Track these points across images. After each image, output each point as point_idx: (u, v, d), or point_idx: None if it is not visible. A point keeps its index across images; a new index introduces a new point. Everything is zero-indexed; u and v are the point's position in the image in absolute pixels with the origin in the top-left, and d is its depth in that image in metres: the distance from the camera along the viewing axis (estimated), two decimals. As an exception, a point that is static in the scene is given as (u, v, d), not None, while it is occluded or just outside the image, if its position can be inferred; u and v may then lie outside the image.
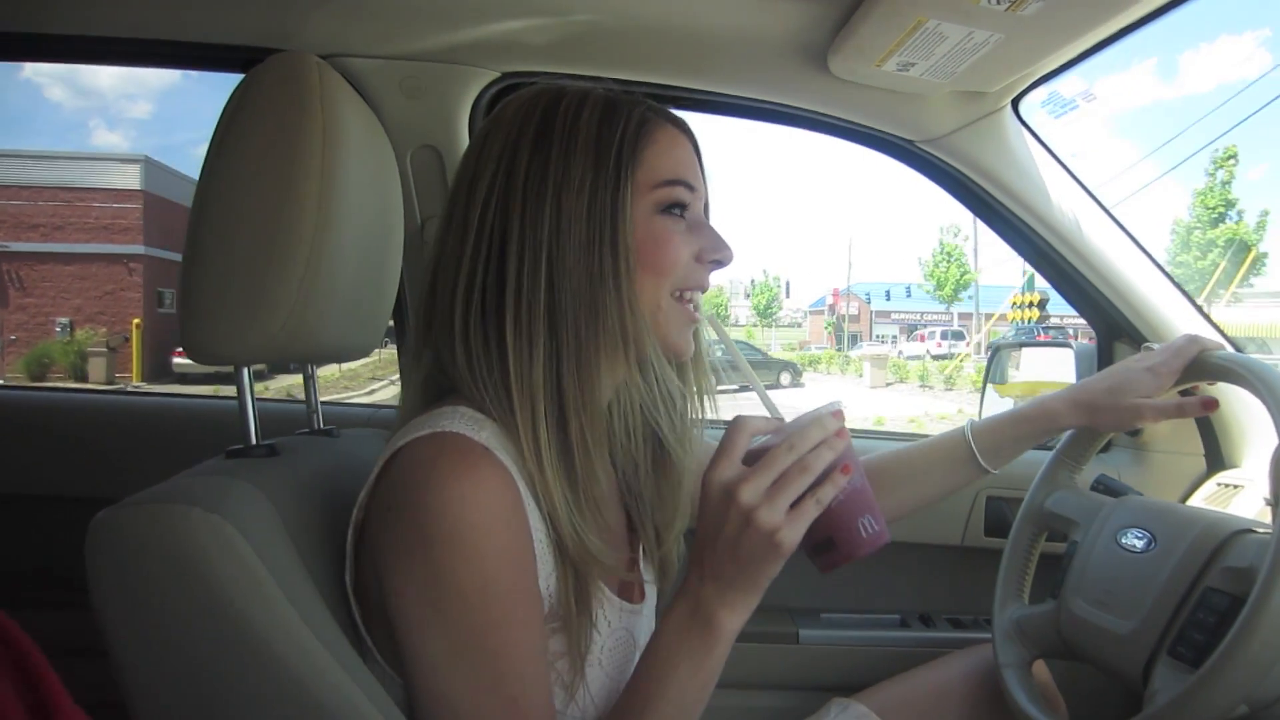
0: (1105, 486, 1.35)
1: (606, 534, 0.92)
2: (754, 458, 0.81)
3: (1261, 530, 1.11)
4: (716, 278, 0.98)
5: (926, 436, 1.34)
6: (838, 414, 0.83)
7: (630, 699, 0.86)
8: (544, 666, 0.85)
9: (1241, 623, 0.95)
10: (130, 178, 23.15)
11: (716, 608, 0.82)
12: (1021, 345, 2.58)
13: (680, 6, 1.37)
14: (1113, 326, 1.69)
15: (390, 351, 1.80)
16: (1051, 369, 1.99)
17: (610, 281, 0.87)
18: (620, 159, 0.88)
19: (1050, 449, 1.42)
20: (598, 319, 0.87)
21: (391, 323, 1.54)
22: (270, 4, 1.39)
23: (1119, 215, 1.60)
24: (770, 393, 0.94)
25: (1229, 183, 31.91)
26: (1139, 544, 1.18)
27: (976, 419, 1.30)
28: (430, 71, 1.49)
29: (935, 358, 32.31)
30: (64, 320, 23.32)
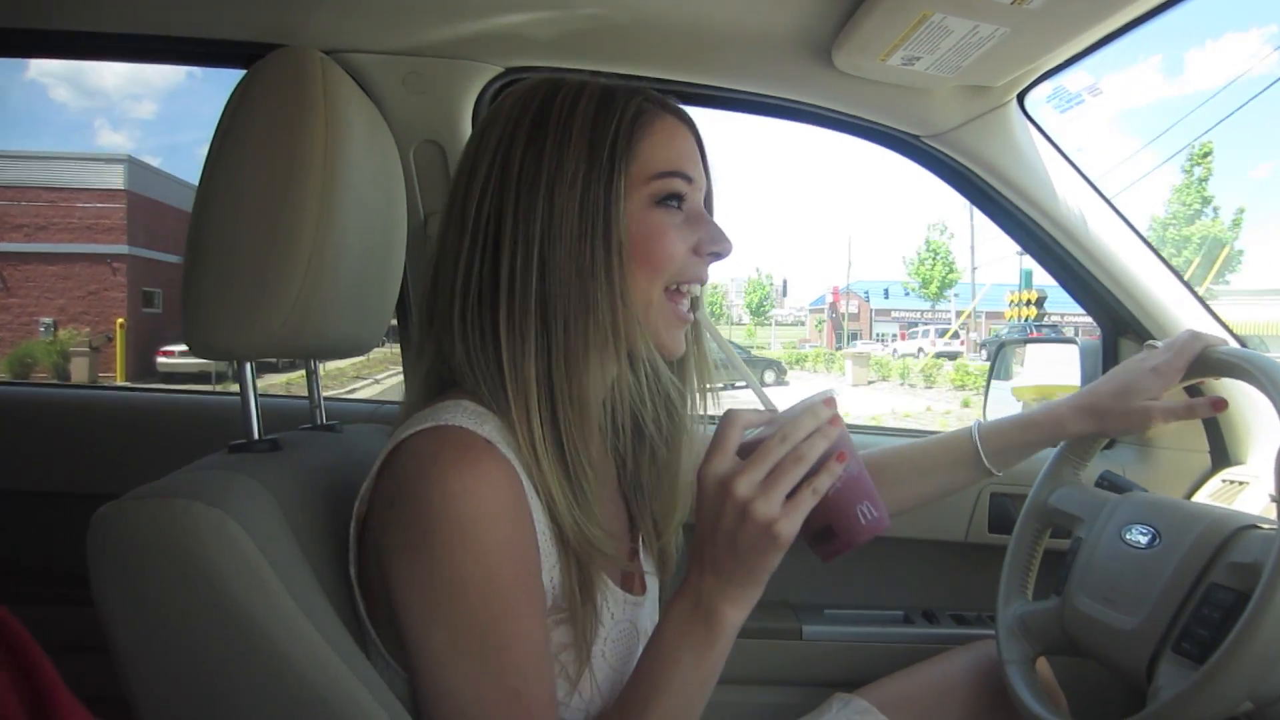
0: (1110, 483, 1.34)
1: (606, 525, 0.92)
2: (748, 450, 0.80)
3: (1266, 526, 1.10)
4: (717, 276, 0.98)
5: (933, 433, 1.34)
6: (830, 401, 0.82)
7: (633, 693, 0.86)
8: (547, 659, 0.85)
9: (1246, 619, 0.95)
10: (114, 177, 23.11)
11: (718, 601, 0.82)
12: (1026, 342, 2.57)
13: (684, 1, 1.36)
14: (1118, 322, 1.69)
15: (378, 350, 1.81)
16: (1056, 365, 1.98)
17: (602, 275, 0.86)
18: (614, 152, 0.88)
19: (1054, 445, 1.42)
20: (589, 313, 0.86)
21: (395, 320, 1.55)
22: None
23: (1122, 209, 1.60)
24: (724, 394, 0.94)
25: (1206, 180, 31.93)
26: (1143, 540, 1.18)
27: (983, 419, 1.29)
28: (433, 66, 1.48)
29: (937, 356, 32.24)
30: (48, 320, 23.29)
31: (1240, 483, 1.55)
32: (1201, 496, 1.60)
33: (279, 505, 0.82)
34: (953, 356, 32.05)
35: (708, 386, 1.03)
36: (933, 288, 40.88)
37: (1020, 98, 1.53)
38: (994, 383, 2.15)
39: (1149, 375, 1.20)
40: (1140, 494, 1.30)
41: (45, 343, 22.21)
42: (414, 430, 0.83)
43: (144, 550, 0.75)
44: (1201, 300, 1.61)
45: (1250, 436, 1.61)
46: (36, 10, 1.44)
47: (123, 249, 23.11)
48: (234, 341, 0.91)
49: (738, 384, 1.02)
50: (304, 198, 0.90)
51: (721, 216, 1.00)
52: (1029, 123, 1.56)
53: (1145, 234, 1.63)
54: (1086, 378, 1.79)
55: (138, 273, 23.60)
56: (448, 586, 0.78)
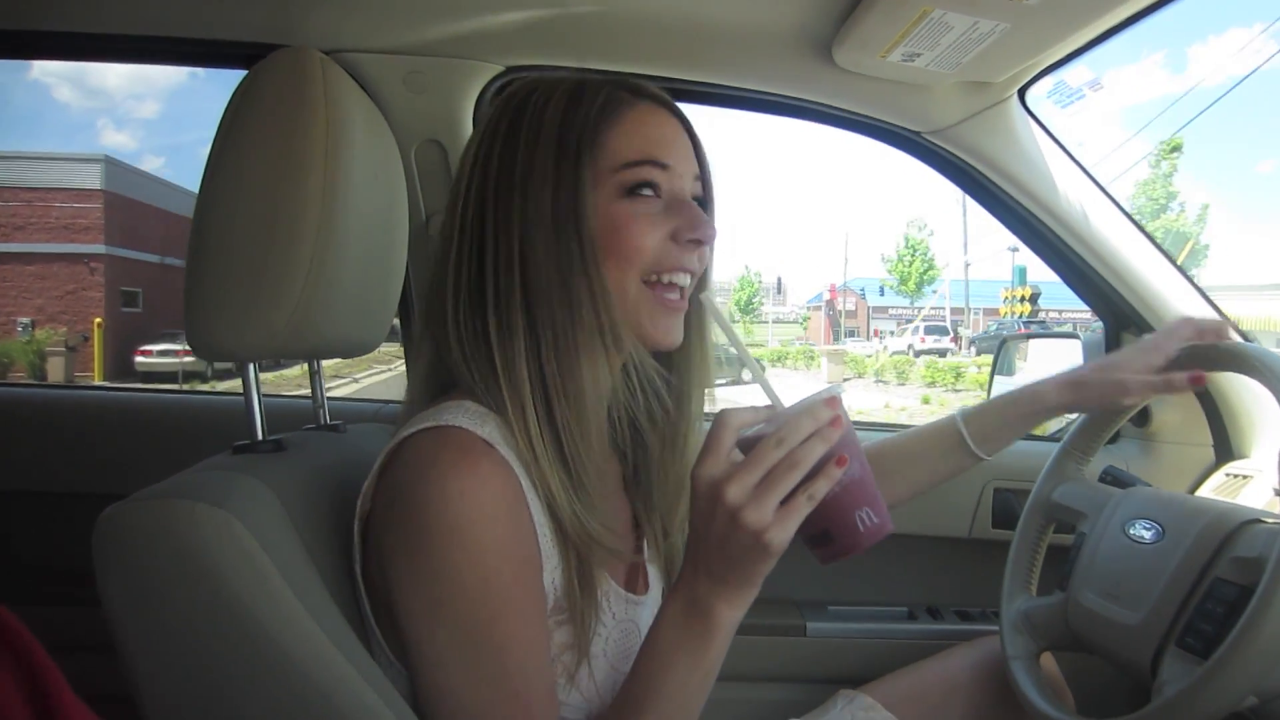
0: (1113, 478, 1.34)
1: (608, 523, 0.92)
2: (749, 445, 0.78)
3: (1270, 520, 1.10)
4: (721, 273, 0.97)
5: (903, 426, 1.34)
6: (832, 401, 0.78)
7: (629, 693, 0.84)
8: (547, 661, 0.85)
9: (1250, 613, 0.95)
10: (91, 177, 23.08)
11: (713, 601, 0.79)
12: (1029, 337, 2.57)
13: (684, -2, 1.36)
14: (1120, 317, 1.69)
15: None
16: (1059, 361, 1.98)
17: (579, 270, 0.87)
18: (580, 146, 0.88)
19: (1057, 440, 1.42)
20: (572, 309, 0.87)
21: (397, 320, 1.55)
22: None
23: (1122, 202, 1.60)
24: (732, 390, 0.92)
25: (1171, 175, 31.94)
26: (1147, 535, 1.18)
27: (967, 406, 1.29)
28: (434, 66, 1.48)
29: (919, 353, 32.16)
30: (25, 320, 23.25)
31: (1244, 477, 1.54)
32: (1205, 491, 1.60)
33: (283, 506, 0.83)
34: (942, 354, 31.97)
35: (707, 382, 1.02)
36: (911, 284, 40.71)
37: (1021, 93, 1.53)
38: (997, 378, 2.14)
39: (1136, 352, 1.20)
40: (1144, 489, 1.30)
41: (22, 342, 22.16)
42: (415, 430, 0.83)
43: (149, 551, 0.75)
44: (1204, 294, 1.61)
45: (1254, 430, 1.61)
46: (38, 12, 1.44)
47: (100, 249, 23.10)
48: (236, 342, 0.91)
49: (744, 377, 1.01)
50: (305, 198, 0.89)
51: (720, 209, 1.00)
52: (1030, 118, 1.56)
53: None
54: None
55: (115, 272, 23.60)
56: (446, 587, 0.79)
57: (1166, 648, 1.08)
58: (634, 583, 1.01)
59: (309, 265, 0.90)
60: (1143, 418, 1.70)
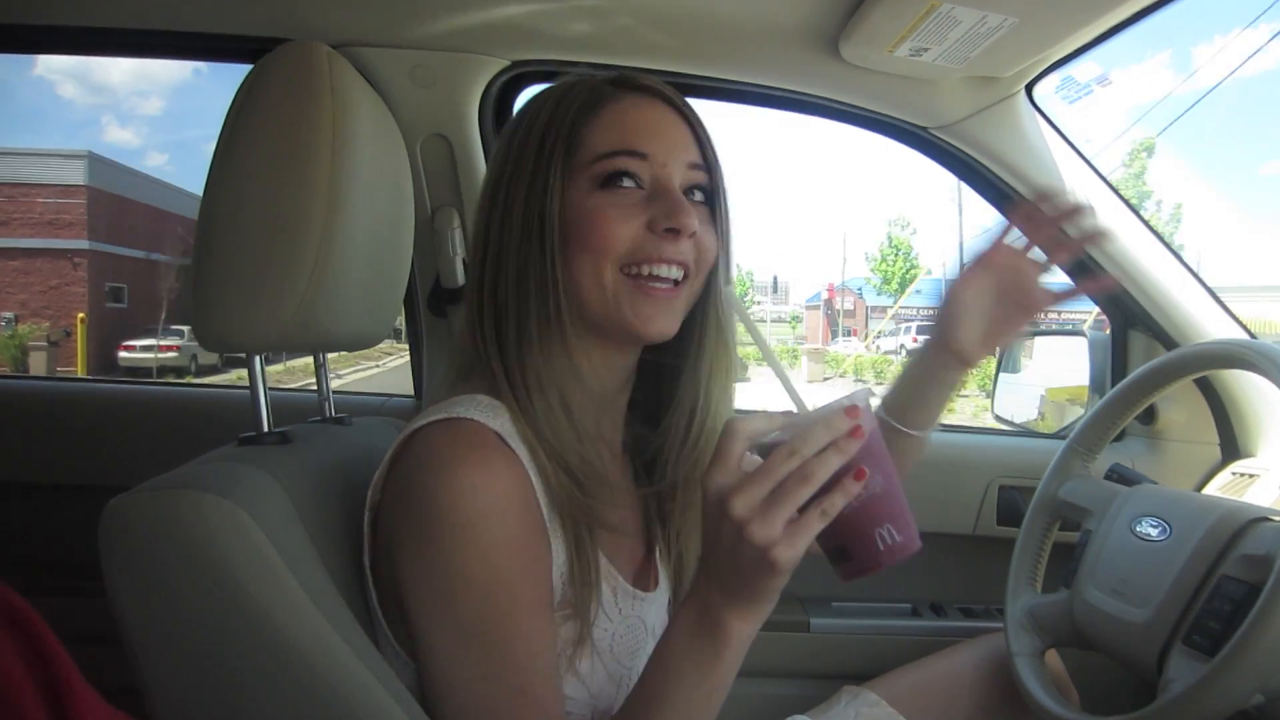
0: (1119, 475, 1.34)
1: (612, 515, 0.92)
2: (768, 452, 0.72)
3: (1278, 518, 1.10)
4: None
5: None
6: (852, 410, 0.71)
7: (636, 701, 0.82)
8: (553, 656, 0.85)
9: (1257, 611, 0.95)
10: (75, 173, 22.99)
11: (724, 614, 0.76)
12: (1034, 334, 2.56)
13: (691, -8, 1.36)
14: (1127, 315, 1.69)
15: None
16: (1064, 358, 1.98)
17: (546, 263, 0.88)
18: (555, 142, 0.89)
19: (1063, 438, 1.41)
20: (545, 301, 0.88)
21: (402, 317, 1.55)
22: None
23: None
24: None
25: (1142, 174, 31.88)
26: (1154, 532, 1.18)
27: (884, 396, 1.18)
28: (439, 60, 1.48)
29: (910, 352, 32.04)
30: (8, 315, 23.11)
31: (1251, 475, 1.54)
32: (1212, 489, 1.60)
33: (289, 497, 0.83)
34: None
35: (725, 379, 1.00)
36: (893, 284, 40.48)
37: (1029, 88, 1.53)
38: (1002, 375, 2.14)
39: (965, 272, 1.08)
40: (1150, 486, 1.29)
41: (4, 337, 22.07)
42: (426, 422, 0.83)
43: (156, 542, 0.75)
44: (1211, 292, 1.61)
45: (1261, 429, 1.61)
46: (43, 6, 1.44)
47: (83, 244, 23.02)
48: (243, 334, 0.92)
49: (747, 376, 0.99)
50: (311, 192, 0.90)
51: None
52: (1037, 114, 1.55)
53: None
54: (1095, 369, 1.78)
55: (99, 268, 23.51)
56: (453, 581, 0.79)
57: (1173, 645, 1.07)
58: (643, 581, 1.00)
59: (315, 258, 0.90)
60: (1149, 416, 1.70)
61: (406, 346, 1.37)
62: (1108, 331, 1.78)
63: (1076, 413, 1.86)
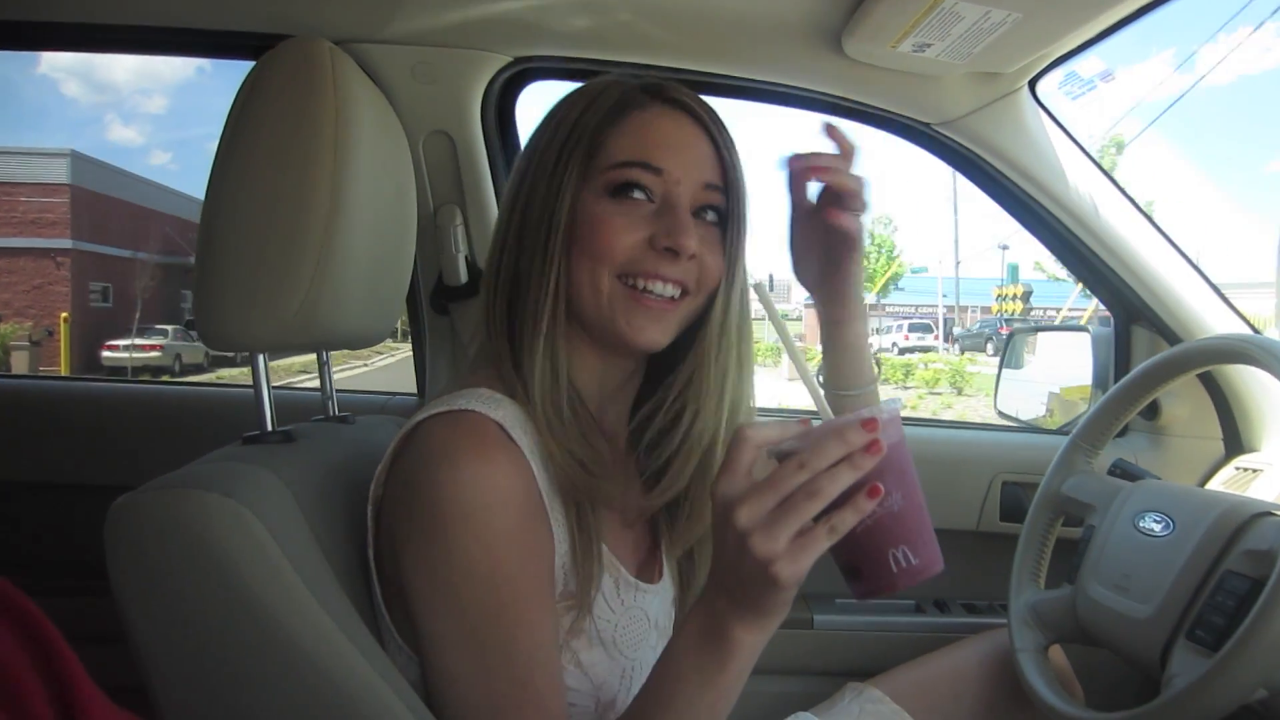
0: (1123, 470, 1.34)
1: (619, 504, 0.94)
2: (784, 459, 0.70)
3: (1281, 513, 1.10)
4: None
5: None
6: (870, 423, 0.68)
7: (639, 705, 0.81)
8: (555, 649, 0.85)
9: (1261, 606, 0.95)
10: (58, 172, 22.95)
11: (730, 622, 0.74)
12: (1037, 330, 2.56)
13: (692, -12, 1.35)
14: (1131, 310, 1.68)
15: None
16: (1067, 353, 1.98)
17: (541, 258, 0.90)
18: (577, 144, 0.90)
19: (1066, 434, 1.41)
20: (543, 299, 0.89)
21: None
22: None
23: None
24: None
25: (1112, 170, 31.89)
26: (1157, 528, 1.18)
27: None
28: (442, 56, 1.48)
29: (903, 350, 32.06)
30: None
31: (1254, 470, 1.54)
32: (1215, 484, 1.60)
33: (293, 496, 0.83)
34: (925, 351, 31.91)
35: (734, 389, 0.98)
36: (876, 283, 40.31)
37: (1032, 84, 1.52)
38: (1005, 371, 2.14)
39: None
40: (1153, 481, 1.29)
41: None
42: (429, 414, 0.84)
43: (160, 541, 0.75)
44: (1214, 287, 1.60)
45: (1264, 423, 1.61)
46: (46, 3, 1.44)
47: (66, 243, 22.97)
48: (246, 333, 0.92)
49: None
50: (314, 189, 0.90)
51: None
52: (1040, 109, 1.55)
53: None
54: (1099, 365, 1.78)
55: (82, 267, 23.47)
56: (455, 573, 0.79)
57: (1176, 640, 1.07)
58: (647, 573, 1.01)
59: (317, 256, 0.90)
60: (1152, 411, 1.69)
61: (397, 346, 1.37)
62: (1111, 327, 1.78)
63: (1080, 408, 1.86)
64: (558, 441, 0.87)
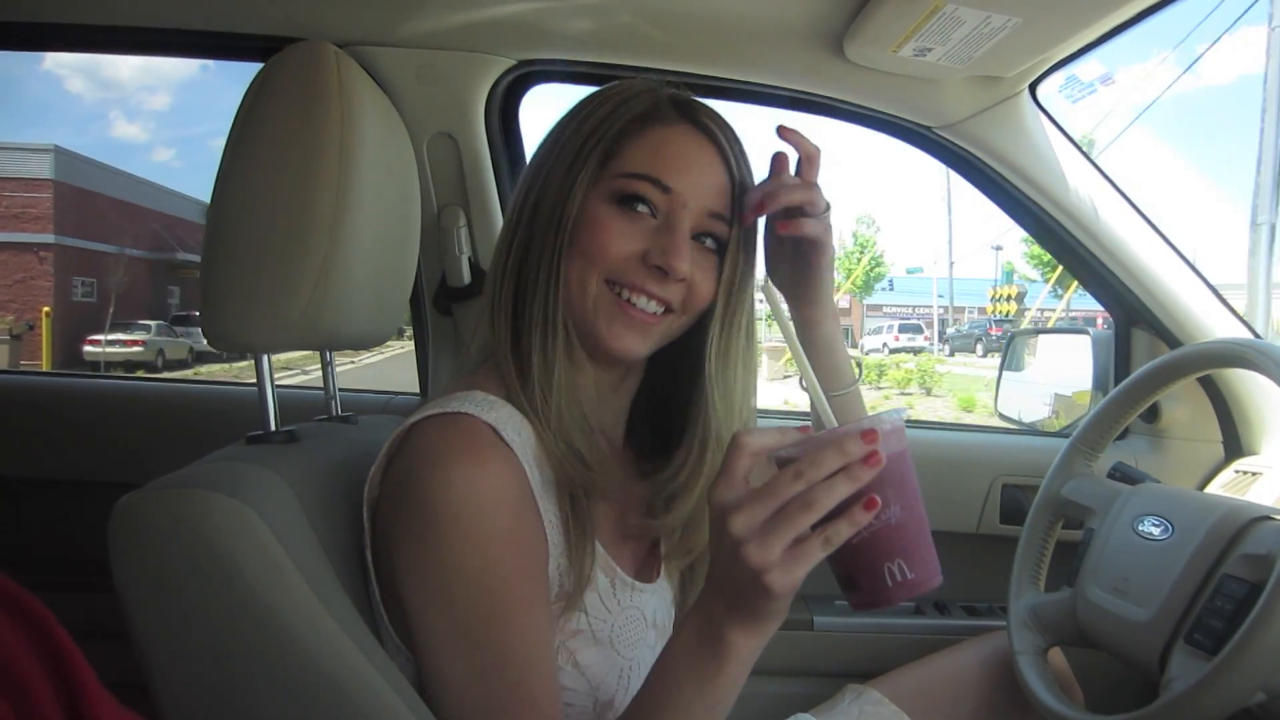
0: (1122, 474, 1.34)
1: (615, 499, 0.94)
2: (784, 465, 0.69)
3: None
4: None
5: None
6: (869, 434, 0.67)
7: (636, 708, 0.81)
8: (550, 650, 0.85)
9: (1259, 610, 0.95)
10: (41, 166, 22.81)
11: (727, 627, 0.73)
12: (1038, 332, 2.56)
13: (695, -8, 1.36)
14: (1131, 312, 1.69)
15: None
16: (1068, 356, 1.98)
17: (545, 257, 0.90)
18: (596, 145, 0.90)
19: (1067, 436, 1.42)
20: (534, 287, 0.90)
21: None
22: None
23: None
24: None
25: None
26: (1156, 531, 1.18)
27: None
28: (446, 59, 1.49)
29: (893, 351, 32.02)
30: None
31: (1253, 473, 1.54)
32: (1214, 488, 1.60)
33: (296, 496, 0.83)
34: (915, 351, 31.89)
35: (738, 396, 0.99)
36: (856, 283, 40.10)
37: (1032, 88, 1.52)
38: (1005, 374, 2.14)
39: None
40: (1153, 485, 1.29)
41: None
42: (422, 416, 0.85)
43: (164, 539, 0.76)
44: (1214, 290, 1.61)
45: (1263, 427, 1.61)
46: (54, 4, 1.45)
47: (49, 238, 22.84)
48: (251, 334, 0.92)
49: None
50: (319, 191, 0.90)
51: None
52: (1041, 113, 1.55)
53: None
54: (1099, 368, 1.78)
55: (65, 262, 23.32)
56: (448, 575, 0.80)
57: (1175, 644, 1.08)
58: (644, 573, 1.01)
59: (322, 258, 0.90)
60: (1152, 414, 1.70)
61: (389, 343, 1.37)
62: (1110, 329, 1.78)
63: (1080, 411, 1.86)
64: (556, 435, 0.88)
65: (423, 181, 1.49)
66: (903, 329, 37.71)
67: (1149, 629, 1.11)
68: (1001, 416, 2.04)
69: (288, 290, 0.90)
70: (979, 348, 31.16)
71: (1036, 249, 29.96)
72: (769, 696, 1.56)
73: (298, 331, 0.92)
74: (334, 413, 1.23)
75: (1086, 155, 1.57)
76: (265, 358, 0.96)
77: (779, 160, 0.96)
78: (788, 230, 0.93)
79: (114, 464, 1.46)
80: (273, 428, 0.97)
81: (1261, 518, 1.10)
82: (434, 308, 1.65)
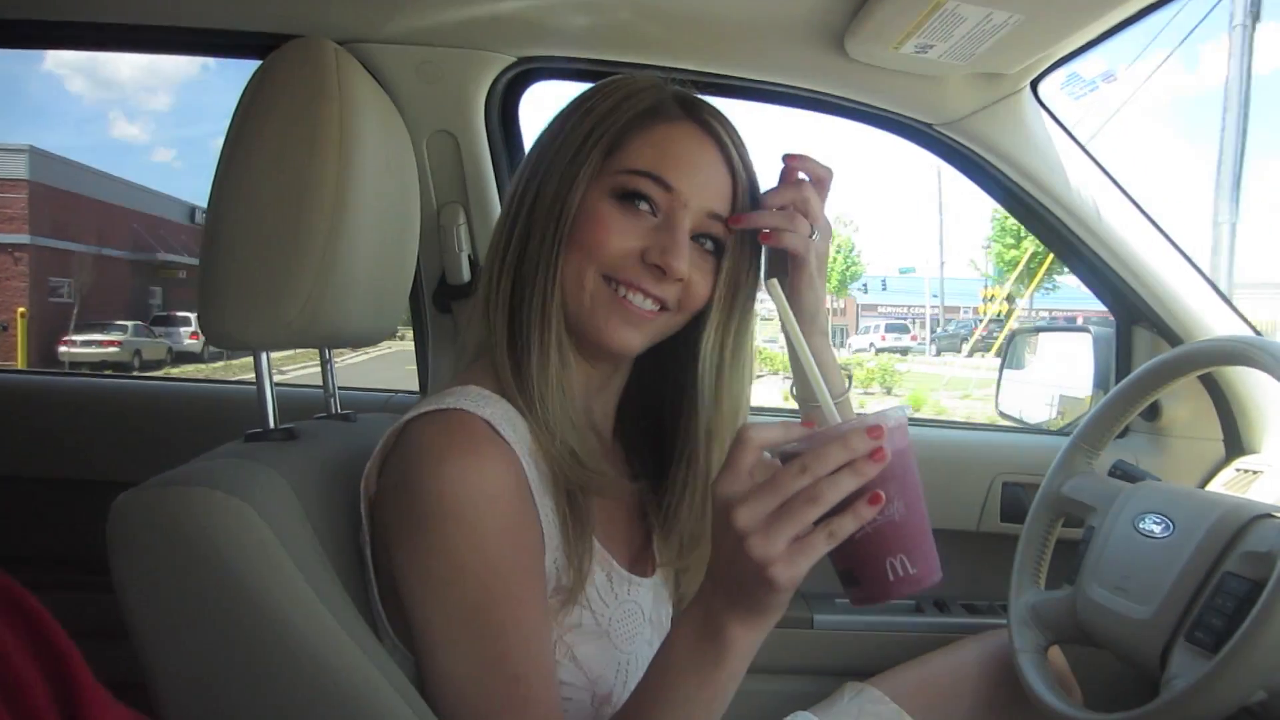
0: (1123, 472, 1.34)
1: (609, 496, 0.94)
2: (787, 460, 0.70)
3: (1281, 515, 1.10)
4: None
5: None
6: (875, 430, 0.68)
7: (634, 703, 0.82)
8: (548, 644, 0.86)
9: (1260, 608, 0.95)
10: (16, 167, 22.67)
11: (726, 620, 0.74)
12: (1038, 330, 2.56)
13: (696, -11, 1.36)
14: (1132, 311, 1.68)
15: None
16: (1068, 354, 1.98)
17: (545, 247, 0.90)
18: (600, 139, 0.90)
19: (1067, 434, 1.41)
20: (532, 282, 0.90)
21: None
22: None
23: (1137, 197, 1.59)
24: None
25: None
26: (1157, 529, 1.18)
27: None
28: (446, 56, 1.49)
29: (879, 351, 32.10)
30: None
31: (1254, 471, 1.54)
32: (1215, 486, 1.60)
33: (295, 493, 0.83)
34: (903, 351, 31.92)
35: (733, 392, 0.99)
36: (833, 282, 40.03)
37: (1034, 85, 1.52)
38: (1006, 372, 2.14)
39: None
40: (1153, 483, 1.29)
41: None
42: (418, 413, 0.85)
43: (163, 537, 0.75)
44: (1216, 288, 1.60)
45: (1264, 425, 1.61)
46: (54, 2, 1.45)
47: (24, 239, 22.72)
48: (250, 332, 0.92)
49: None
50: (318, 188, 0.90)
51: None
52: (1042, 110, 1.55)
53: (989, 225, 1.61)
54: (1100, 366, 1.78)
55: (40, 262, 23.21)
56: (447, 570, 0.80)
57: (1175, 642, 1.08)
58: (639, 566, 1.01)
59: (321, 255, 0.90)
60: (1153, 412, 1.69)
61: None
62: (1111, 327, 1.78)
63: (1081, 409, 1.86)
64: (552, 433, 0.88)
65: (422, 179, 1.49)
66: (889, 329, 37.79)
67: (1149, 627, 1.11)
68: (1002, 414, 2.04)
69: (286, 288, 0.90)
70: (964, 347, 31.19)
71: (1000, 248, 30.24)
72: (769, 694, 1.56)
73: (296, 329, 0.92)
74: (333, 410, 1.23)
75: (1088, 153, 1.56)
76: (264, 355, 0.96)
77: (787, 173, 0.96)
78: (766, 241, 0.95)
79: (112, 462, 1.46)
80: (272, 425, 0.97)
81: (1262, 515, 1.10)
82: (433, 306, 1.65)
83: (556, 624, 0.89)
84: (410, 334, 1.74)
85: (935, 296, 39.45)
